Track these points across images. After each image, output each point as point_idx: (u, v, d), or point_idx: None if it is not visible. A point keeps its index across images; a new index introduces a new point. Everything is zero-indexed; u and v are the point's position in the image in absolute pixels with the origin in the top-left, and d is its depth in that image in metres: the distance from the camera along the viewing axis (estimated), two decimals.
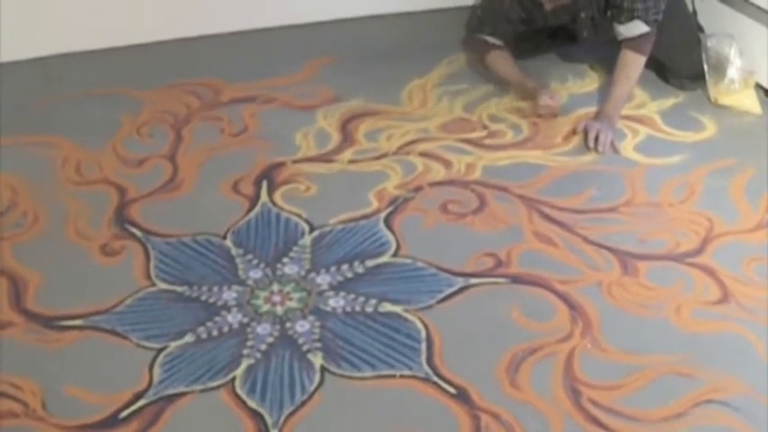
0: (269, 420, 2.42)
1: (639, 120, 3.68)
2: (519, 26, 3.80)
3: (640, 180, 3.33)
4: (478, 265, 2.95)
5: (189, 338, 2.68)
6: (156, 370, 2.58)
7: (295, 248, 3.03)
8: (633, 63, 3.60)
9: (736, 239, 3.07)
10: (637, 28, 3.55)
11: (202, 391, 2.52)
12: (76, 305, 2.80)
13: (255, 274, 2.93)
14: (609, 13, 3.62)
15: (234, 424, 2.43)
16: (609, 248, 3.01)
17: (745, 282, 2.88)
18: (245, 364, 2.60)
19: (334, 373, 2.57)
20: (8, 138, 3.54)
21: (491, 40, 3.83)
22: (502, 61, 3.86)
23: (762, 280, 2.89)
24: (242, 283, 2.89)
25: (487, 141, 3.56)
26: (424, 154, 3.47)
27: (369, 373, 2.57)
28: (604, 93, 3.69)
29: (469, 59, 4.04)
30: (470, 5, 3.94)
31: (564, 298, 2.82)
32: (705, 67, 3.76)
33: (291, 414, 2.44)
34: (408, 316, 2.76)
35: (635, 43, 3.58)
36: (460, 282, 2.89)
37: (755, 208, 3.19)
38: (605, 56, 3.79)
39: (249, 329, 2.71)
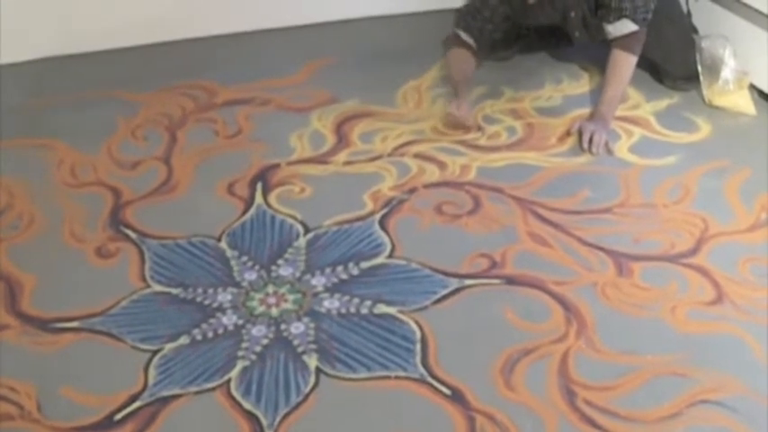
0: (264, 422, 2.42)
1: (634, 121, 3.69)
2: (502, 25, 3.80)
3: (635, 181, 3.33)
4: (473, 266, 2.95)
5: (184, 340, 2.68)
6: (152, 372, 2.58)
7: (290, 250, 3.03)
8: (624, 63, 3.60)
9: (731, 240, 3.07)
10: (625, 27, 3.55)
11: (197, 392, 2.52)
12: (72, 307, 2.80)
13: (250, 275, 2.93)
14: (599, 13, 3.62)
15: (229, 426, 2.43)
16: (603, 249, 3.01)
17: (740, 282, 2.88)
18: (240, 365, 2.60)
19: (328, 375, 2.57)
20: (3, 140, 3.55)
21: (463, 35, 3.82)
22: (458, 60, 3.85)
23: (756, 280, 2.89)
24: (237, 284, 2.89)
25: (482, 143, 3.56)
26: (418, 155, 3.48)
27: (364, 375, 2.57)
28: (599, 94, 3.69)
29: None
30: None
31: (559, 299, 2.82)
32: (699, 68, 3.76)
33: (287, 415, 2.44)
34: (403, 317, 2.76)
35: (624, 42, 3.58)
36: (455, 283, 2.89)
37: (750, 208, 3.19)
38: (600, 57, 3.78)
39: (244, 331, 2.71)
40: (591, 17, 3.67)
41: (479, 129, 3.64)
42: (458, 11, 3.87)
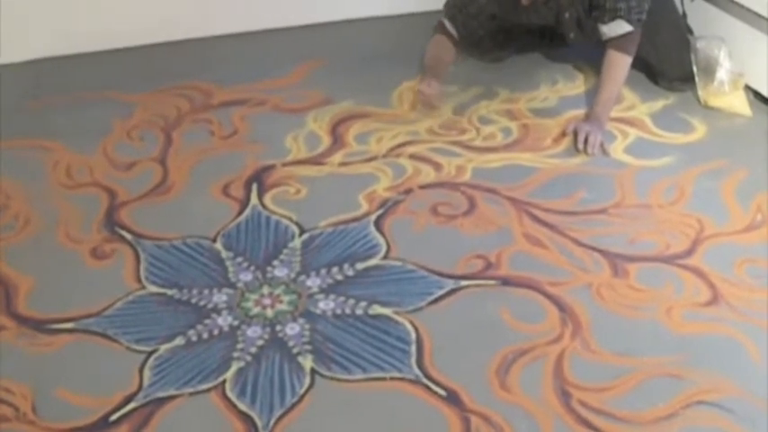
0: (259, 423, 2.42)
1: (629, 122, 3.69)
2: (487, 23, 3.81)
3: (630, 182, 3.33)
4: (468, 267, 2.95)
5: (179, 341, 2.68)
6: (147, 373, 2.58)
7: (285, 251, 3.03)
8: (618, 63, 3.60)
9: (727, 241, 3.07)
10: (620, 27, 3.55)
11: (192, 393, 2.52)
12: (67, 308, 2.80)
13: (245, 276, 2.93)
14: (593, 14, 3.62)
15: (224, 427, 2.43)
16: (599, 250, 3.01)
17: (736, 283, 2.88)
18: (235, 366, 2.60)
19: (324, 376, 2.57)
20: (0, 141, 3.54)
21: (447, 24, 3.83)
22: (437, 46, 3.87)
23: (752, 281, 2.89)
24: (232, 285, 2.89)
25: (477, 143, 3.56)
26: (413, 156, 3.47)
27: (359, 376, 2.57)
28: (594, 95, 3.69)
29: (459, 62, 4.04)
30: None
31: (554, 300, 2.82)
32: (694, 69, 3.76)
33: (281, 417, 2.45)
34: (398, 318, 2.76)
35: (619, 43, 3.58)
36: (450, 284, 2.89)
37: (746, 209, 3.19)
38: (595, 57, 3.78)
39: (239, 332, 2.71)
40: (585, 18, 3.66)
41: (475, 129, 3.64)
42: (447, 1, 3.86)
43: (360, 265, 2.97)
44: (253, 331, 2.72)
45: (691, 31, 3.89)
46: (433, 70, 3.81)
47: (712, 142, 3.58)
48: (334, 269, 2.95)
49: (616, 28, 3.55)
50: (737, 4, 3.73)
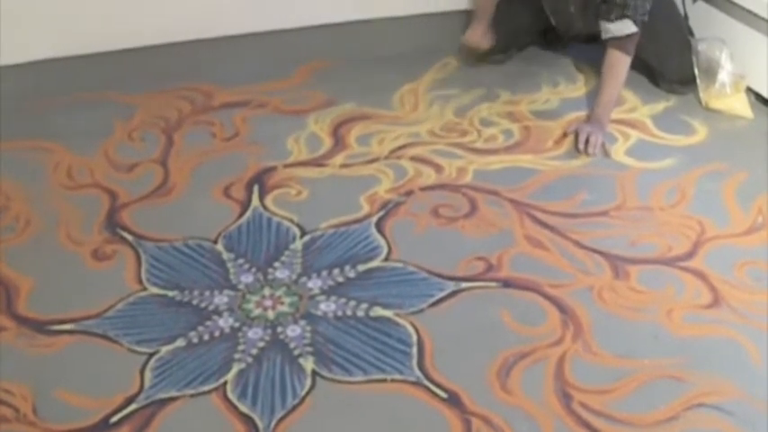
0: (260, 425, 2.42)
1: (631, 124, 3.69)
2: None
3: (632, 184, 3.34)
4: (469, 269, 2.95)
5: (180, 343, 2.68)
6: (148, 374, 2.58)
7: (286, 253, 3.03)
8: (620, 63, 3.59)
9: (728, 243, 3.07)
10: (626, 27, 3.53)
11: (193, 395, 2.52)
12: (68, 310, 2.79)
13: (247, 278, 2.92)
14: (600, 8, 3.59)
15: (225, 428, 2.42)
16: (600, 252, 3.01)
17: (737, 285, 2.88)
18: (236, 368, 2.59)
19: (325, 378, 2.57)
20: (1, 142, 3.53)
21: None
22: None
23: (754, 284, 2.89)
24: (233, 287, 2.89)
25: (479, 145, 3.56)
26: (415, 158, 3.47)
27: (360, 377, 2.57)
28: (595, 96, 3.69)
29: (460, 63, 4.05)
30: (463, 10, 3.96)
31: (555, 302, 2.82)
32: (696, 71, 3.76)
33: (282, 418, 2.44)
34: (399, 320, 2.76)
35: (621, 43, 3.58)
36: (451, 286, 2.89)
37: (747, 212, 3.19)
38: (596, 59, 3.78)
39: (240, 334, 2.71)
40: (593, 6, 3.65)
41: (476, 131, 3.64)
42: None
43: (361, 267, 2.97)
44: (254, 333, 2.72)
45: (692, 33, 3.90)
46: (482, 9, 3.90)
47: (713, 144, 3.58)
48: (336, 271, 2.95)
49: (622, 27, 3.54)
50: (739, 6, 3.74)
